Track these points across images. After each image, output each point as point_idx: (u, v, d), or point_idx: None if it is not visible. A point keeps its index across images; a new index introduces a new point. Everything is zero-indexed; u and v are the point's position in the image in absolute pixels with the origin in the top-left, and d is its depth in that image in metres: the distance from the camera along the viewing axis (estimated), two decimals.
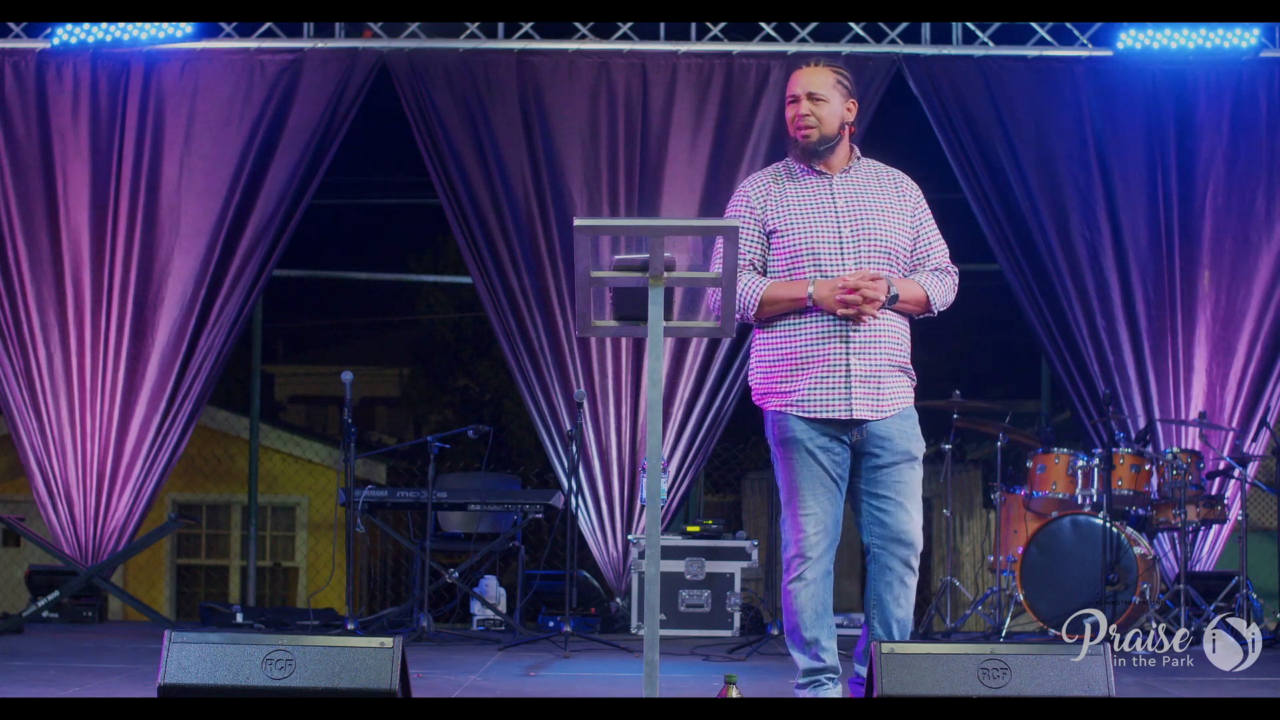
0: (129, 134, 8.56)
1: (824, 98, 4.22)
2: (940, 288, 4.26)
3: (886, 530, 4.19)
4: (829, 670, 4.21)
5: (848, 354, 4.12)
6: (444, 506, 7.98)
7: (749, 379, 4.33)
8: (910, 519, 4.20)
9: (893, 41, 8.69)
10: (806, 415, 4.14)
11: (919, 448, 4.24)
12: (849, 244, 4.16)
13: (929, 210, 4.35)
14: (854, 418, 4.13)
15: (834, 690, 4.21)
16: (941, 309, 4.30)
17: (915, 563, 4.22)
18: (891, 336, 4.18)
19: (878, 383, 4.15)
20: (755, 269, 4.23)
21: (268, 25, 8.62)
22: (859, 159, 4.32)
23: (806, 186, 4.24)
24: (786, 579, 4.19)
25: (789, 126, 4.27)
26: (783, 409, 4.18)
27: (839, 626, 5.94)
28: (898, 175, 4.35)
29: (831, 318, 4.11)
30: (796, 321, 4.16)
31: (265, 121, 8.58)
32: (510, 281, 8.57)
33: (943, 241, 4.34)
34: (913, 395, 4.27)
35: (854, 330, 4.11)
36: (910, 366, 4.27)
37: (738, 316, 4.19)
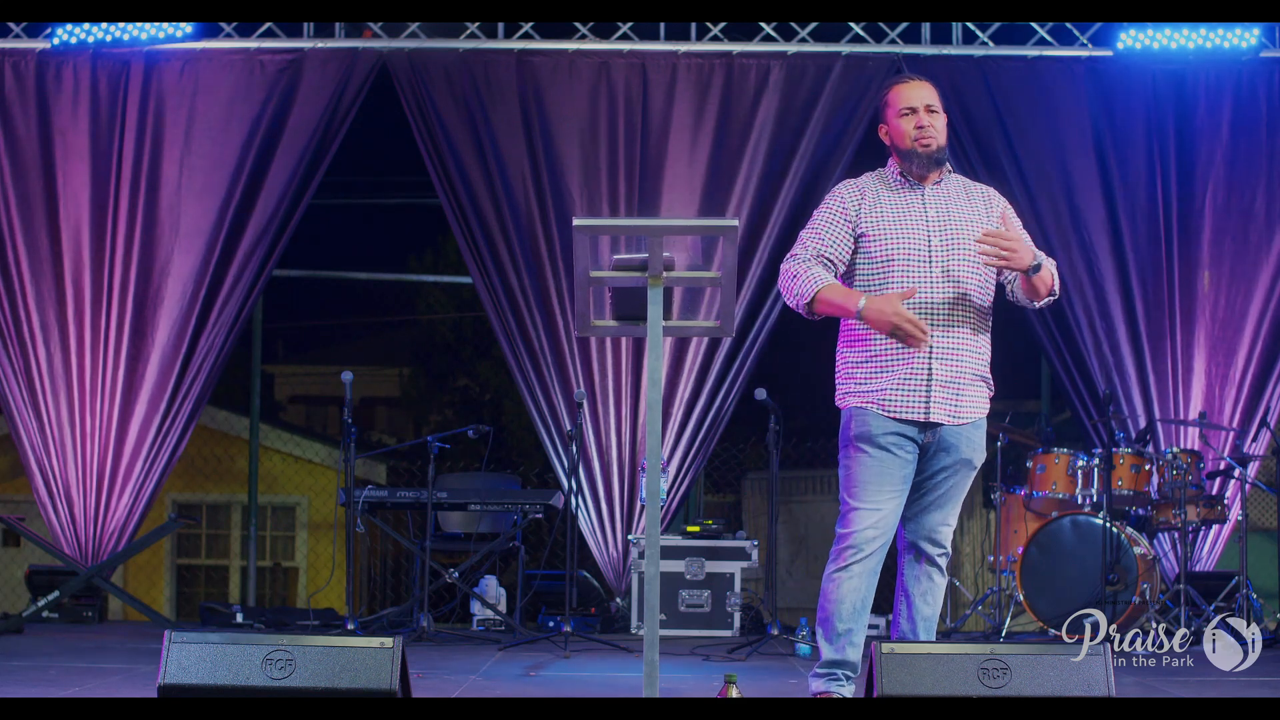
0: (129, 134, 8.56)
1: (937, 110, 4.33)
2: (1056, 275, 4.32)
3: (920, 528, 4.27)
4: (850, 665, 4.22)
5: (930, 359, 4.18)
6: (444, 506, 7.98)
7: (836, 380, 4.35)
8: (946, 523, 4.29)
9: (893, 41, 8.69)
10: (887, 414, 4.19)
11: (980, 457, 4.31)
12: (937, 253, 4.21)
13: (1018, 219, 4.39)
14: (930, 420, 4.19)
15: (847, 689, 4.23)
16: (1055, 297, 4.36)
17: (944, 563, 4.29)
18: (974, 346, 4.25)
19: (958, 390, 4.21)
20: (830, 264, 4.26)
21: (268, 25, 8.62)
22: (950, 173, 4.39)
23: (900, 197, 4.31)
24: (833, 567, 4.21)
25: (902, 138, 4.30)
26: (863, 405, 4.22)
27: None
28: (985, 189, 4.43)
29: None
30: None
31: (265, 121, 8.57)
32: (510, 281, 8.57)
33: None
34: (988, 404, 4.34)
35: (938, 336, 4.17)
36: (990, 376, 4.33)
37: (792, 304, 4.27)
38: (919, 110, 4.29)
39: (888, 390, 4.19)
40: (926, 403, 4.18)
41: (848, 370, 4.30)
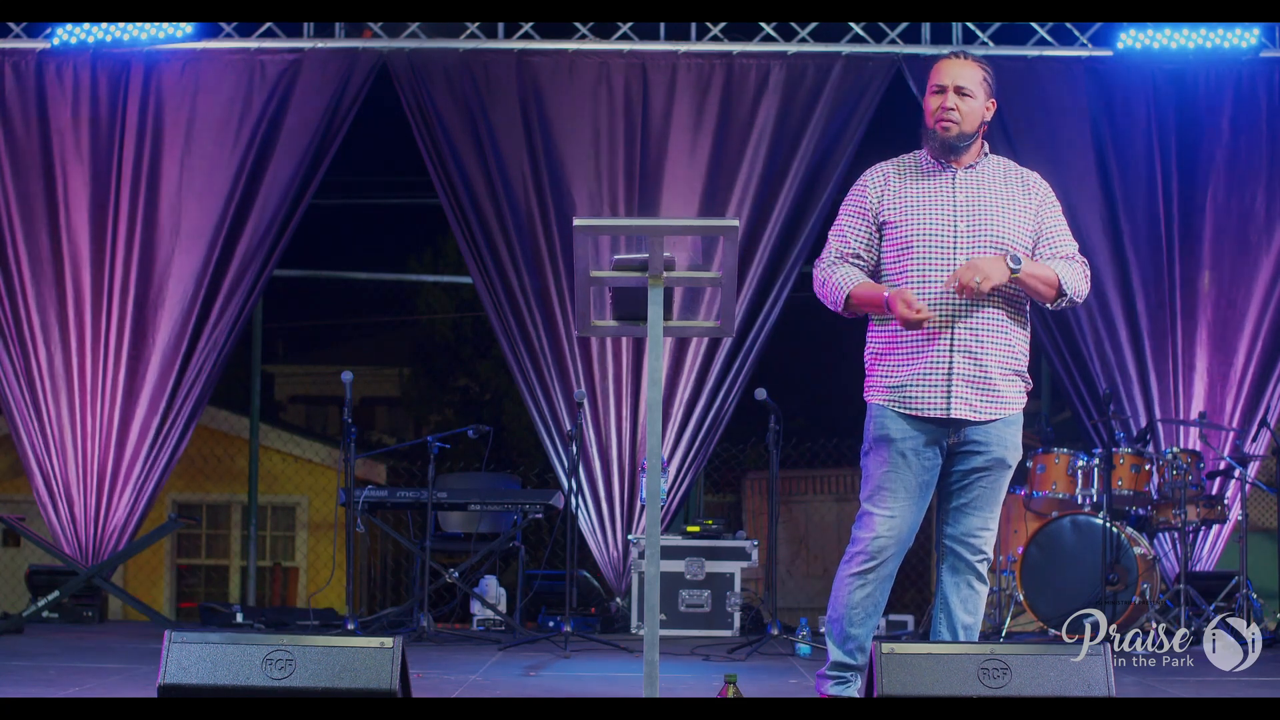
0: (129, 134, 8.56)
1: (970, 93, 4.17)
2: (1072, 274, 4.13)
3: (957, 533, 4.16)
4: (857, 669, 4.17)
5: (951, 353, 4.04)
6: (444, 506, 7.98)
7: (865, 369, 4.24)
8: (986, 527, 4.17)
9: (893, 41, 8.68)
10: (906, 412, 4.07)
11: (1015, 456, 4.15)
12: (964, 238, 4.07)
13: (1058, 205, 4.25)
14: (952, 418, 4.06)
15: (853, 689, 4.18)
16: (1076, 298, 4.17)
17: (984, 569, 4.17)
18: (1003, 339, 4.09)
19: (983, 384, 4.06)
20: (859, 260, 4.15)
21: (268, 25, 8.62)
22: (987, 155, 4.24)
23: (929, 180, 4.17)
24: (847, 570, 4.12)
25: (927, 116, 4.18)
26: (884, 404, 4.11)
27: None
28: (1027, 174, 4.27)
29: (938, 313, 4.03)
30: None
31: (265, 121, 8.57)
32: (510, 281, 8.57)
33: (1070, 236, 4.23)
34: (1024, 400, 4.17)
35: (960, 329, 4.04)
36: (1025, 372, 4.17)
37: (829, 307, 4.18)
38: (947, 90, 4.15)
39: (908, 386, 4.06)
40: (947, 398, 4.04)
41: (872, 361, 4.18)
